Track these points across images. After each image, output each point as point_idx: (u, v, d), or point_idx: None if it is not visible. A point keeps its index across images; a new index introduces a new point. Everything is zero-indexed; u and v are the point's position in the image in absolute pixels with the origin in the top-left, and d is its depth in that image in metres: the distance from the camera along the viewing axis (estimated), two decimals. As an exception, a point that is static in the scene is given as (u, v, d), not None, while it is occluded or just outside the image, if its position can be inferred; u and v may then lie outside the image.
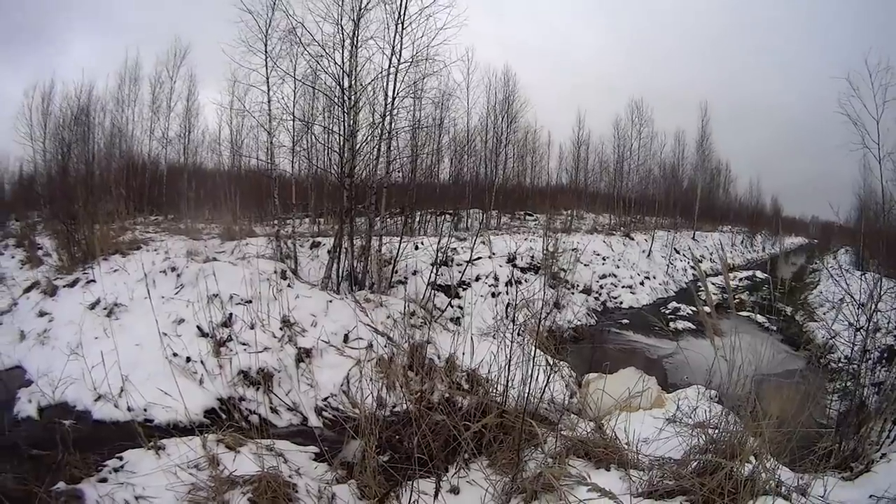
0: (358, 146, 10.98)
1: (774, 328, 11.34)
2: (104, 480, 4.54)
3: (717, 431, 4.75)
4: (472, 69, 23.60)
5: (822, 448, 4.80)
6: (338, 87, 10.93)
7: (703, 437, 4.71)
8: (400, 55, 11.00)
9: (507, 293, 13.18)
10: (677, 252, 26.86)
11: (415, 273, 12.23)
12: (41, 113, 21.32)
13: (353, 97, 10.88)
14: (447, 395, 6.08)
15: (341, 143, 11.00)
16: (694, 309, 19.03)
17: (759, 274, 29.17)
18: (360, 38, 10.75)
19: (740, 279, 26.93)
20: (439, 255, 11.45)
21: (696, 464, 4.34)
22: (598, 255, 20.34)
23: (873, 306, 7.72)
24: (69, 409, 6.30)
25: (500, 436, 4.89)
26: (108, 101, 22.24)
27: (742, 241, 42.53)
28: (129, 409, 6.20)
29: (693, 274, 26.50)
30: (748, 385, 5.48)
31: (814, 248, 43.15)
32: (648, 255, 23.94)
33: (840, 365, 11.25)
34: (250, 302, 8.54)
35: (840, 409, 7.78)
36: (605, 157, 33.01)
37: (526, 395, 5.05)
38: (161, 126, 22.63)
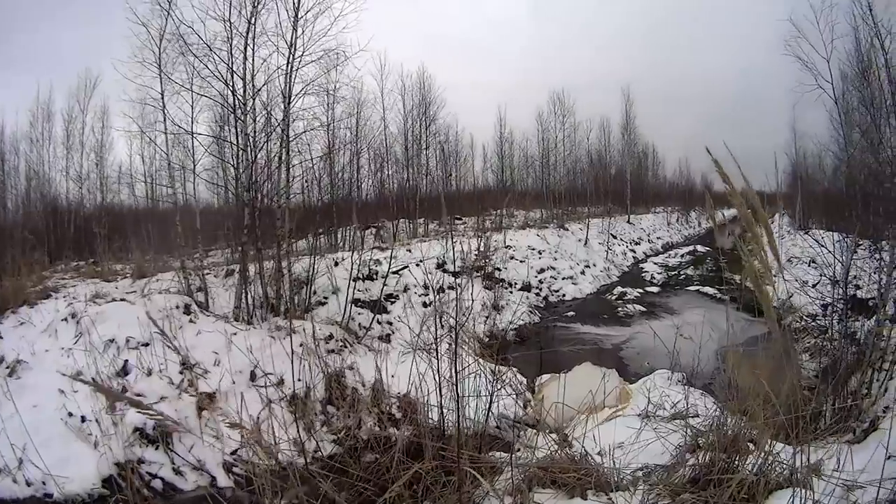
0: (256, 155, 9.99)
1: (727, 297, 10.84)
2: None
3: (699, 420, 4.28)
4: (387, 73, 22.74)
5: (815, 412, 4.57)
6: (228, 91, 9.90)
7: (688, 431, 3.96)
8: (295, 48, 10.13)
9: (440, 301, 12.25)
10: (614, 237, 26.62)
11: (335, 292, 11.24)
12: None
13: (246, 102, 9.88)
14: (377, 428, 5.00)
15: (236, 154, 9.98)
16: (641, 291, 18.65)
17: (699, 248, 29.45)
18: (254, 34, 9.89)
19: (682, 255, 27.01)
20: (361, 268, 10.44)
21: (690, 470, 3.48)
22: (533, 249, 19.81)
23: (848, 260, 7.92)
24: (-32, 488, 5.40)
25: (442, 477, 3.81)
26: (19, 141, 20.53)
27: (677, 220, 43.73)
28: (28, 484, 5.31)
29: (633, 257, 26.32)
30: (716, 361, 5.41)
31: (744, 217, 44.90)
32: (586, 244, 23.61)
33: (804, 323, 11.07)
34: (147, 345, 7.55)
35: (821, 368, 7.76)
36: (530, 153, 32.51)
37: (465, 419, 4.02)
38: (75, 164, 20.80)
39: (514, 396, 7.14)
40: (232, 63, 9.77)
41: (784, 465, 3.16)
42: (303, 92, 10.50)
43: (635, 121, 35.07)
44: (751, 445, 3.44)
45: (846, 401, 6.62)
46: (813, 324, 10.99)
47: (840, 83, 8.39)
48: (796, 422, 3.20)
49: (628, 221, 32.71)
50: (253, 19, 9.79)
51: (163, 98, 10.17)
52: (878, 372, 7.02)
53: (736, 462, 3.25)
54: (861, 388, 6.87)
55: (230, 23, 9.69)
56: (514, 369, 8.73)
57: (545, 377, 9.34)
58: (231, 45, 9.76)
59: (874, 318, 7.74)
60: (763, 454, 3.16)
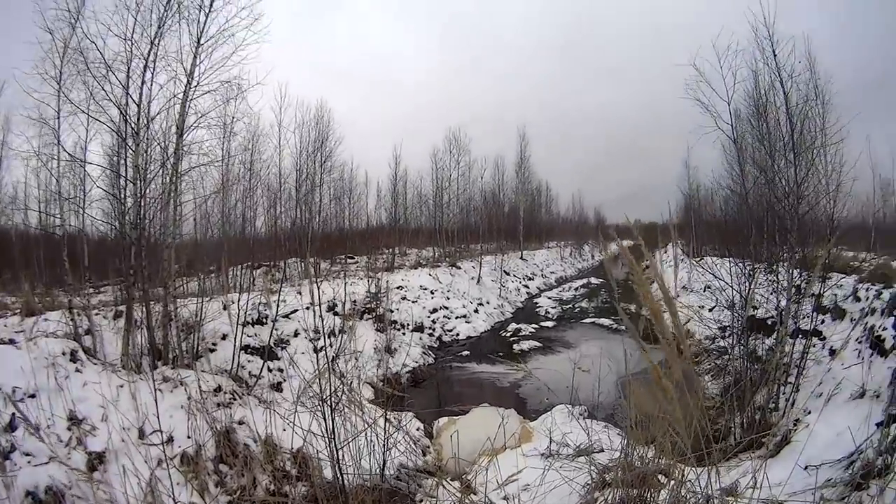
0: (146, 189, 9.33)
1: (623, 328, 11.02)
2: None
3: (605, 455, 4.30)
4: (286, 106, 22.19)
5: (724, 430, 5.12)
6: (120, 116, 9.22)
7: (594, 467, 3.87)
8: (191, 76, 9.57)
9: (332, 345, 11.86)
10: (507, 274, 26.90)
11: (224, 338, 10.62)
12: None
13: (139, 130, 9.24)
14: (272, 487, 4.65)
15: (123, 186, 9.36)
16: (536, 326, 18.80)
17: (593, 280, 30.25)
18: (155, 56, 9.30)
19: (576, 288, 27.63)
20: (250, 312, 9.90)
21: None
22: (425, 288, 19.68)
23: (749, 285, 8.35)
24: None
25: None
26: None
27: (571, 253, 45.02)
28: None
29: (527, 292, 26.63)
30: (616, 392, 5.32)
31: (640, 248, 47.49)
32: (478, 282, 23.76)
33: (702, 346, 11.50)
34: (34, 396, 6.77)
35: (724, 388, 8.36)
36: (424, 191, 32.47)
37: (360, 474, 3.73)
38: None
39: (413, 444, 6.90)
40: (129, 86, 9.16)
41: (699, 494, 3.02)
42: (196, 124, 9.95)
43: (530, 159, 35.61)
44: (661, 477, 3.36)
45: (754, 417, 6.85)
46: (712, 346, 11.44)
47: (735, 122, 8.93)
48: (706, 443, 3.14)
49: (521, 257, 33.35)
50: (156, 40, 9.24)
51: (58, 118, 9.37)
52: (784, 386, 7.37)
53: (648, 497, 3.17)
54: (768, 403, 7.17)
55: (132, 42, 9.13)
56: (410, 414, 8.48)
57: (443, 420, 9.14)
58: (130, 67, 9.17)
59: (774, 335, 8.17)
60: (675, 484, 3.04)
